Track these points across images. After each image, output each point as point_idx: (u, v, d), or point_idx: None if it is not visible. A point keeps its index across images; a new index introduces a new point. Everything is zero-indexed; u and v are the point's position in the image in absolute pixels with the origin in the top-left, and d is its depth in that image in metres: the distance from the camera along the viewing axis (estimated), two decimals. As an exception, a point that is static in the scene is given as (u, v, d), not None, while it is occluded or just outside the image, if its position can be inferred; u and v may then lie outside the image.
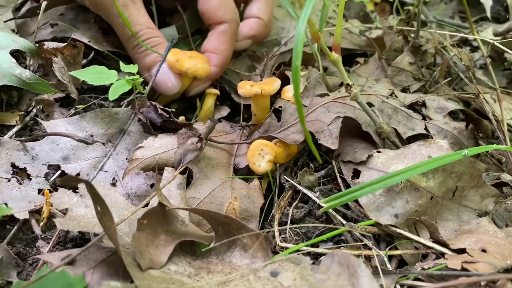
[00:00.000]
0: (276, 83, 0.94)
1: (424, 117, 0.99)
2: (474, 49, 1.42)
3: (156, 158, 0.85)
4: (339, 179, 0.88)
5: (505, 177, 0.91)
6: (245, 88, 0.93)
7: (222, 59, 1.04)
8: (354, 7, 1.39)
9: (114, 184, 0.86)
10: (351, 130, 0.91)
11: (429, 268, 0.71)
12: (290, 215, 0.84)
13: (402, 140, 0.93)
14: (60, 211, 0.80)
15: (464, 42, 1.43)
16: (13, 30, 1.09)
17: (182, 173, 0.84)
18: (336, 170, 0.89)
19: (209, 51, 1.05)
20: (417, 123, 0.96)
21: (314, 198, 0.85)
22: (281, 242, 0.79)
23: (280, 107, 0.93)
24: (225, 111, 1.10)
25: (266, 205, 0.88)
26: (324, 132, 0.87)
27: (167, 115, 0.91)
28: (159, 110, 0.91)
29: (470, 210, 0.83)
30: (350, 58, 1.23)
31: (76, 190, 0.79)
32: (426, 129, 0.95)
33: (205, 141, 0.86)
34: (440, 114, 1.00)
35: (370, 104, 0.94)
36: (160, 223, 0.70)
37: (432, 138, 0.93)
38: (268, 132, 0.92)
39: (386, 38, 1.17)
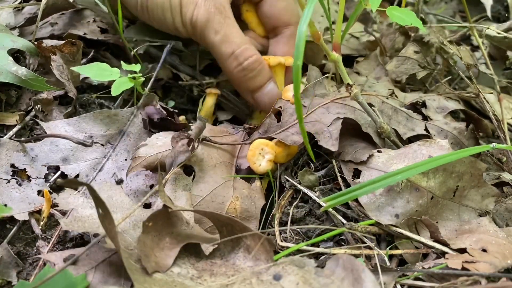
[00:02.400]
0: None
1: (424, 117, 0.98)
2: (475, 48, 1.42)
3: (159, 156, 0.85)
4: (339, 179, 0.87)
5: (506, 176, 0.91)
6: None
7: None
8: (354, 7, 1.39)
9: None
10: (352, 129, 0.90)
11: (429, 267, 0.71)
12: (290, 214, 0.84)
13: (402, 140, 0.92)
14: (61, 211, 0.80)
15: (464, 42, 1.43)
16: (13, 28, 1.09)
17: (188, 174, 0.83)
18: (336, 170, 0.89)
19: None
20: (417, 123, 0.95)
21: (314, 197, 0.85)
22: (282, 241, 0.79)
23: (280, 107, 0.93)
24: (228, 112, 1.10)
25: (267, 205, 0.88)
26: (324, 134, 0.87)
27: (166, 113, 0.91)
28: (160, 107, 0.91)
29: (470, 209, 0.83)
30: (350, 60, 1.23)
31: (78, 190, 0.79)
32: (426, 129, 0.95)
33: (196, 142, 0.85)
34: (441, 114, 1.00)
35: (370, 105, 0.94)
36: (165, 225, 0.70)
37: (432, 138, 0.93)
38: (267, 132, 0.92)
39: (385, 39, 1.17)
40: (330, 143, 0.86)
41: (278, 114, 0.94)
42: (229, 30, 0.95)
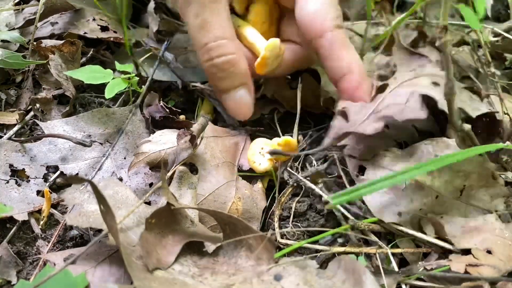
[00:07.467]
0: None
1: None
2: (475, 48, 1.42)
3: (162, 154, 0.84)
4: (341, 172, 0.86)
5: (510, 176, 0.90)
6: None
7: (359, 70, 0.83)
8: (355, 6, 1.39)
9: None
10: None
11: (431, 269, 0.71)
12: (293, 209, 0.83)
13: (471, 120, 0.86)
14: (60, 211, 0.79)
15: (464, 42, 1.43)
16: (14, 29, 1.09)
17: (193, 172, 0.83)
18: (338, 164, 0.87)
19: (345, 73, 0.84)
20: (479, 103, 0.90)
21: (319, 191, 0.83)
22: (282, 238, 0.78)
23: (344, 107, 0.84)
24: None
25: (268, 205, 0.87)
26: (406, 109, 0.79)
27: (168, 111, 0.90)
28: (162, 105, 0.91)
29: (478, 210, 0.81)
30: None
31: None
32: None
33: (199, 138, 0.85)
34: None
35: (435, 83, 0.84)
36: (168, 222, 0.69)
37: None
38: (339, 134, 0.81)
39: (394, 33, 1.15)
40: (416, 113, 0.78)
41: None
42: (211, 17, 0.80)
